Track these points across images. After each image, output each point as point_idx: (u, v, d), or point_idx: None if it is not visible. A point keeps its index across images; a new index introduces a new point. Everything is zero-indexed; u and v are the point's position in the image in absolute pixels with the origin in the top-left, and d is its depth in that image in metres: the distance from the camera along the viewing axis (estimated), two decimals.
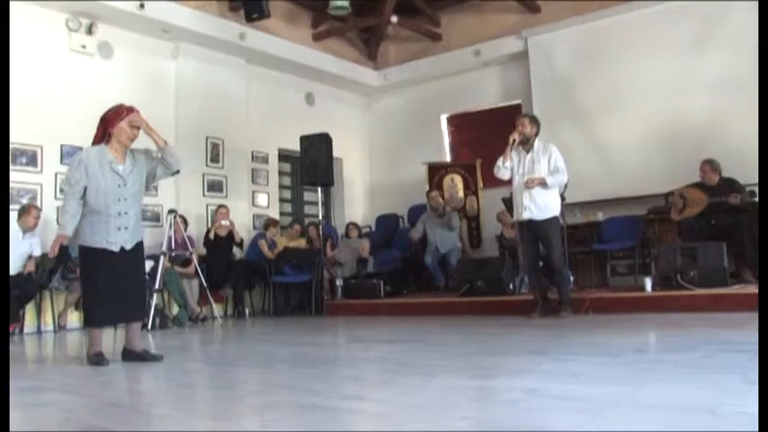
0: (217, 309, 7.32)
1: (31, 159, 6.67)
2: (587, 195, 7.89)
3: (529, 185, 5.33)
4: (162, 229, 7.29)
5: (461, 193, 9.27)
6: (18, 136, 6.38)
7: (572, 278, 6.14)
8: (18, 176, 6.50)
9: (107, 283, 3.70)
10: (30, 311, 6.35)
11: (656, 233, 7.28)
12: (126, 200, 3.76)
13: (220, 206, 7.86)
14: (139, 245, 3.88)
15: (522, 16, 9.17)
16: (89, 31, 7.24)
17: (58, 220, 5.75)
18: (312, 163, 7.80)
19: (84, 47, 7.20)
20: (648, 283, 5.78)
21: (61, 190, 3.99)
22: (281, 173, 9.58)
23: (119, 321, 4.09)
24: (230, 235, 7.73)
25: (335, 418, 2.17)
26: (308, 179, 8.00)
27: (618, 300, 5.78)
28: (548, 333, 4.41)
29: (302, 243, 8.42)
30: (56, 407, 2.56)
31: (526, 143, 5.45)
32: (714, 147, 6.88)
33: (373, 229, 9.95)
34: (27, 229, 6.15)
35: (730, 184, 6.22)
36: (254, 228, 8.76)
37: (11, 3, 5.93)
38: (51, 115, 6.77)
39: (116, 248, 3.72)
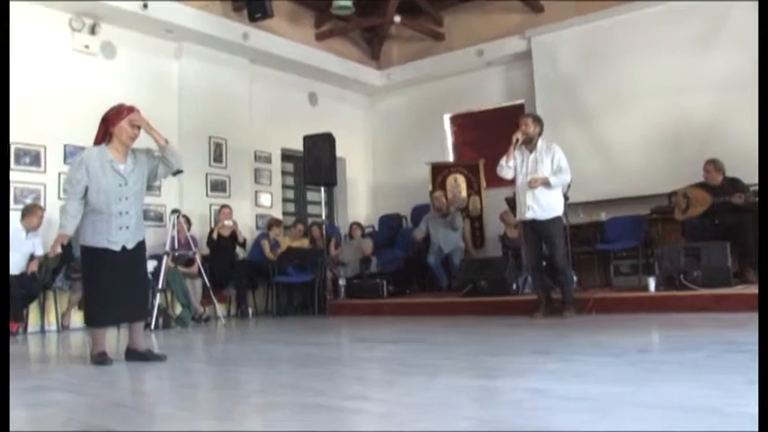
0: (220, 309, 7.33)
1: (35, 159, 6.68)
2: (590, 195, 7.87)
3: (532, 185, 5.33)
4: (165, 229, 7.30)
5: (464, 193, 9.26)
6: (21, 136, 6.40)
7: (575, 278, 6.13)
8: (21, 176, 6.52)
9: (109, 283, 3.70)
10: (33, 311, 6.37)
11: (660, 233, 7.24)
12: (127, 199, 3.76)
13: (223, 206, 7.86)
14: (141, 244, 3.88)
15: (525, 16, 9.16)
16: (92, 31, 7.24)
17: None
18: (315, 163, 7.80)
19: (87, 47, 7.20)
20: (652, 283, 5.77)
21: (64, 190, 3.99)
22: (284, 173, 9.57)
23: (120, 321, 4.09)
24: (233, 235, 7.72)
25: (339, 418, 2.17)
26: (311, 179, 8.00)
27: (621, 300, 5.77)
28: (551, 333, 4.41)
29: (305, 243, 8.44)
30: (59, 406, 2.56)
31: (529, 143, 5.45)
32: (717, 146, 6.86)
33: (376, 228, 9.94)
34: (30, 229, 6.16)
35: (734, 184, 6.21)
36: (258, 228, 8.76)
37: (14, 3, 5.95)
38: (54, 115, 6.77)
39: (117, 248, 3.72)
